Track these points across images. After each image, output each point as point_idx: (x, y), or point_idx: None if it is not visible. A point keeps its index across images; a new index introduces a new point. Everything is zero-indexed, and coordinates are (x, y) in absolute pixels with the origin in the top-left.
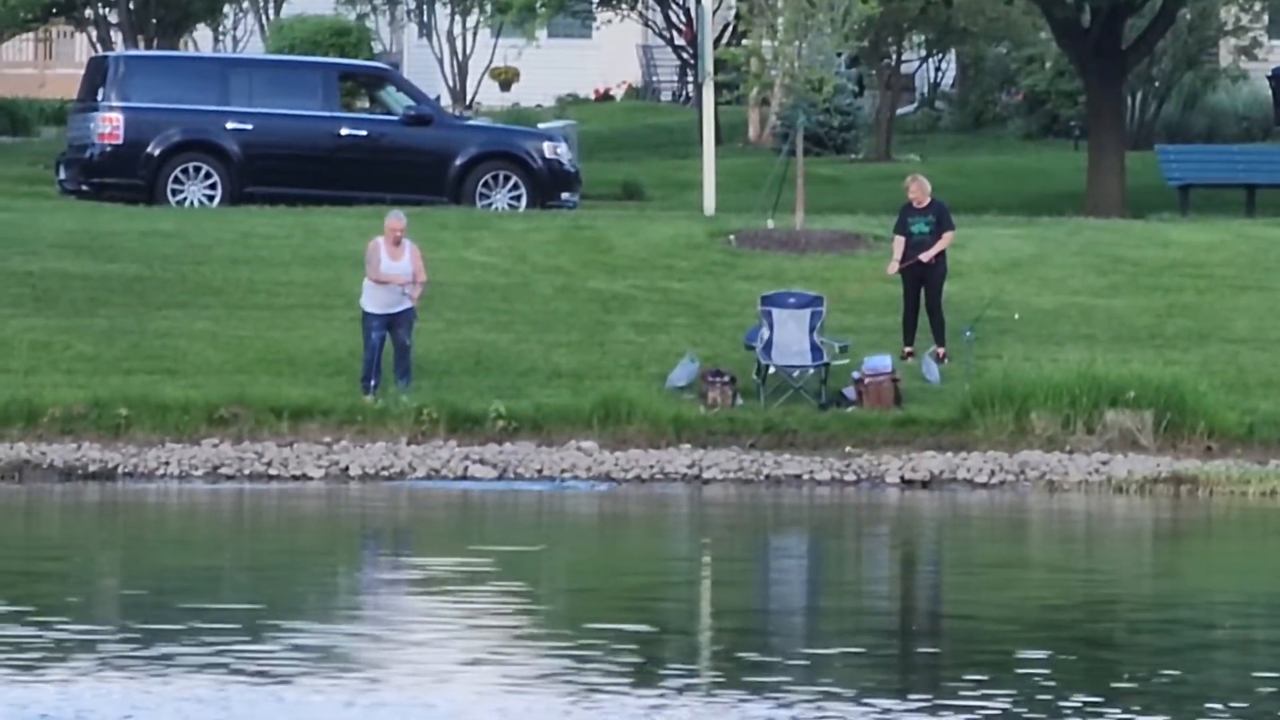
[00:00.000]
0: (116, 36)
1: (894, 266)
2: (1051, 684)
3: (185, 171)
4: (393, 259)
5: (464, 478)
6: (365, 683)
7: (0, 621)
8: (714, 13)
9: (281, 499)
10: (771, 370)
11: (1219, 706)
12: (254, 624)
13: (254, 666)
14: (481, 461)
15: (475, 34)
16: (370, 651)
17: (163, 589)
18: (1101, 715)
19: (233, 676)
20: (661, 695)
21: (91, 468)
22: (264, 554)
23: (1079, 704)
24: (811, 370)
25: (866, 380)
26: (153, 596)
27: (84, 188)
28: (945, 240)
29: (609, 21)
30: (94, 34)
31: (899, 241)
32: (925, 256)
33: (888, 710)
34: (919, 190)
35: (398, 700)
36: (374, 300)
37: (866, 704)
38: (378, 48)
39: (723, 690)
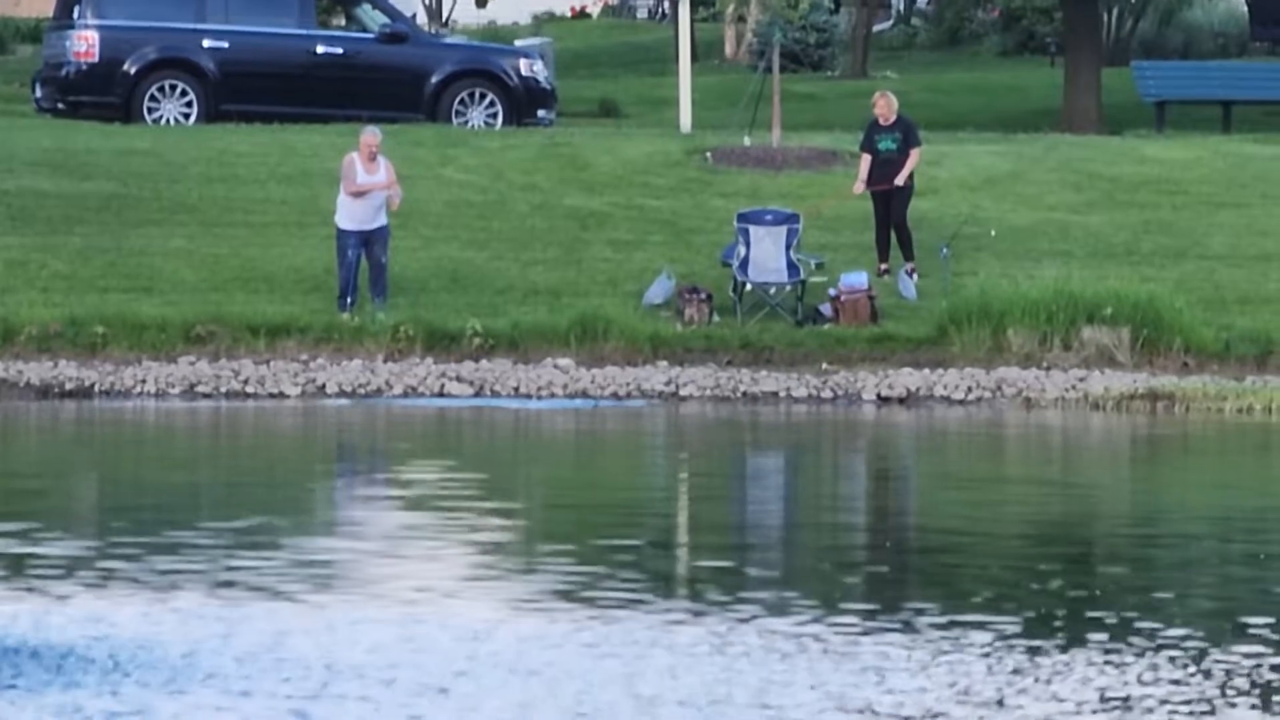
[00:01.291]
0: None
1: (860, 186)
2: (1062, 604)
3: (161, 89)
4: (367, 174)
5: (441, 395)
6: (370, 599)
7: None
8: None
9: (261, 416)
10: (748, 287)
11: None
12: (250, 540)
13: (256, 581)
14: (458, 379)
15: None
16: (373, 568)
17: (157, 506)
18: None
19: (240, 593)
20: (669, 612)
21: (68, 386)
22: (251, 471)
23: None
24: (788, 287)
25: (843, 297)
26: (148, 514)
27: (60, 106)
28: (913, 159)
29: None
30: None
31: (865, 159)
32: (898, 181)
33: (909, 624)
34: (886, 107)
35: (398, 618)
36: (349, 217)
37: (885, 619)
38: None
39: (733, 607)
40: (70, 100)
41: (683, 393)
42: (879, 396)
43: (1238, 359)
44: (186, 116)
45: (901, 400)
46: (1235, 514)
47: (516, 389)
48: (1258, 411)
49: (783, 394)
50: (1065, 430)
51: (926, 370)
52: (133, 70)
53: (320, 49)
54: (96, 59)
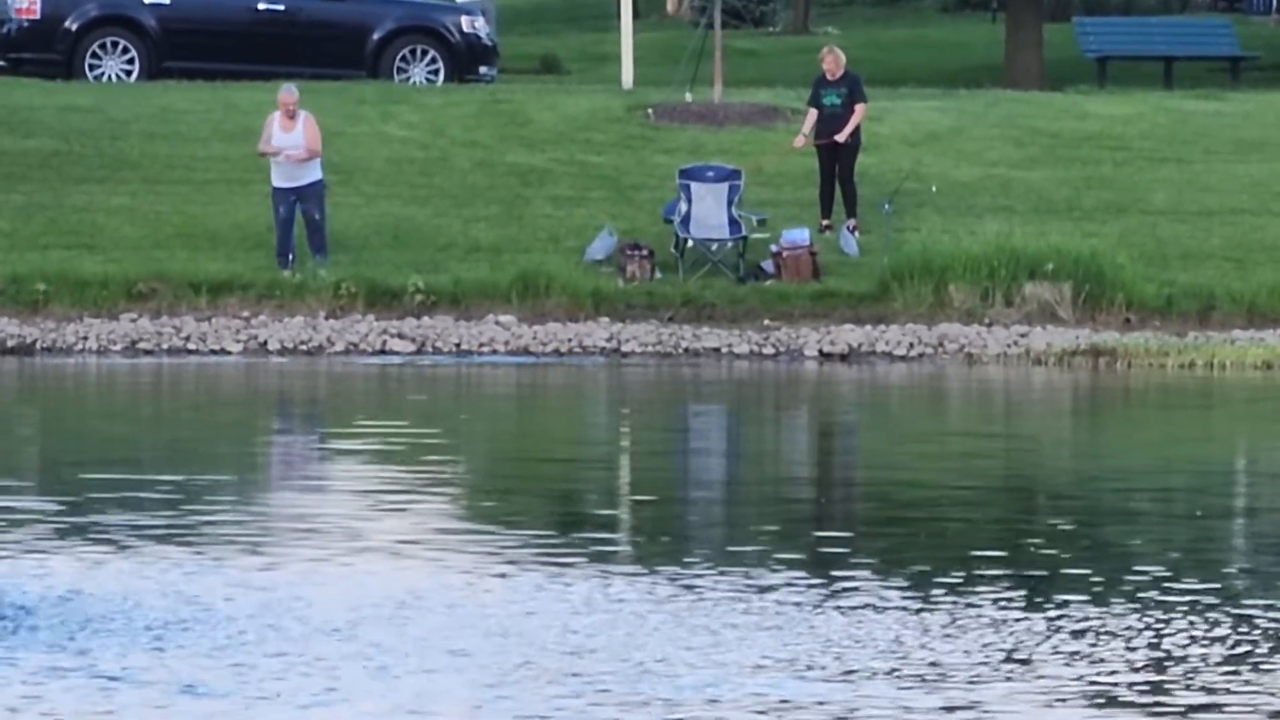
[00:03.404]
0: None
1: (800, 140)
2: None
3: (103, 47)
4: (285, 131)
5: (382, 352)
6: (350, 553)
7: None
8: None
9: (203, 372)
10: (690, 244)
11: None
12: (211, 496)
13: (230, 536)
14: (400, 336)
15: None
16: (346, 522)
17: (112, 461)
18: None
19: (218, 548)
20: (654, 571)
21: (10, 343)
22: (200, 426)
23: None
24: (730, 244)
25: (785, 253)
26: (111, 469)
27: (1, 63)
28: (858, 114)
29: None
30: None
31: (811, 113)
32: (840, 137)
33: (910, 587)
34: (833, 62)
35: (383, 569)
36: (279, 174)
37: (879, 581)
38: None
39: (687, 567)
40: (11, 57)
41: (624, 349)
42: (821, 353)
43: (1179, 314)
44: (128, 73)
45: (843, 356)
46: (1180, 468)
47: (458, 345)
48: (1199, 367)
49: (725, 350)
50: (1008, 385)
51: (868, 326)
52: (74, 27)
53: (262, 6)
54: (38, 16)
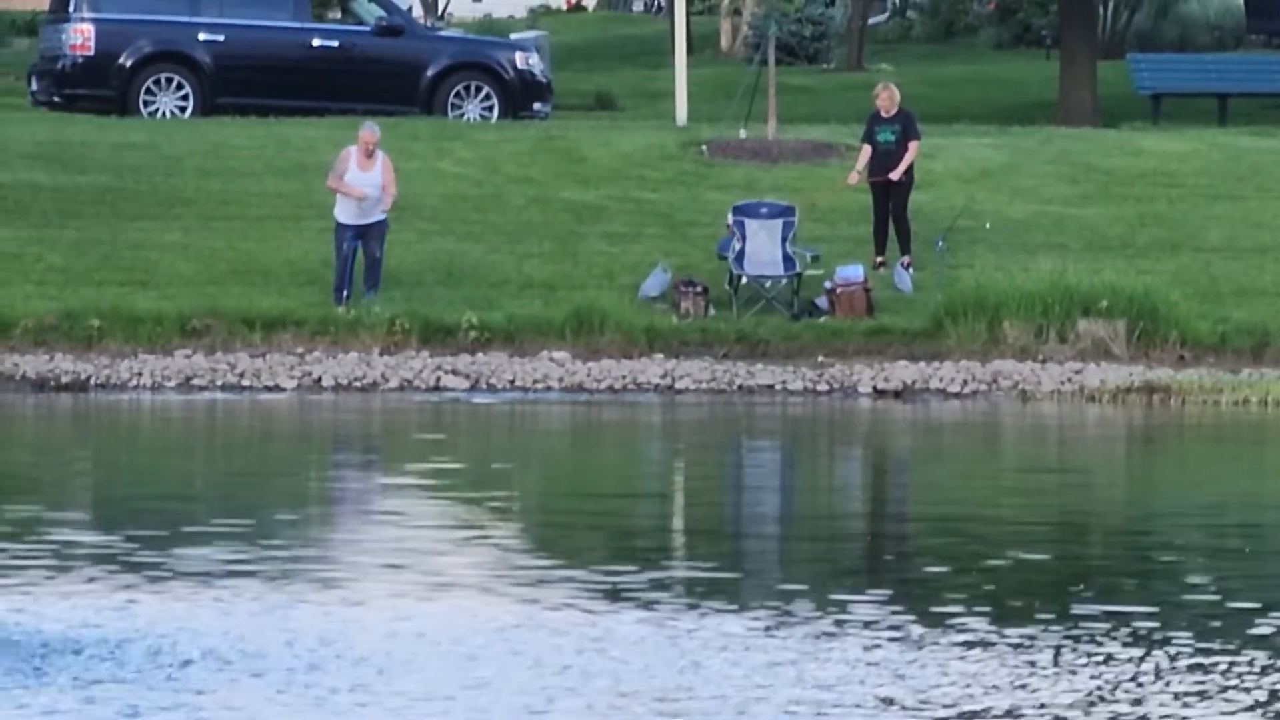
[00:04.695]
0: None
1: (854, 177)
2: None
3: (157, 83)
4: (362, 170)
5: (437, 388)
6: (431, 589)
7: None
8: None
9: (257, 408)
10: (744, 280)
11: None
12: (275, 533)
13: (305, 571)
14: (454, 372)
15: None
16: (432, 557)
17: (184, 497)
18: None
19: (300, 586)
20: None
21: (64, 379)
22: (267, 462)
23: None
24: (784, 280)
25: (839, 290)
26: (184, 504)
27: (56, 99)
28: (912, 151)
29: None
30: None
31: (865, 150)
32: (894, 174)
33: (966, 627)
34: (888, 99)
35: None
36: (346, 210)
37: (931, 623)
38: None
39: (750, 605)
40: (66, 93)
41: (678, 385)
42: (875, 389)
43: (1233, 351)
44: (182, 110)
45: (897, 393)
46: (1231, 505)
47: (512, 382)
48: (1254, 404)
49: (778, 387)
50: (1062, 423)
51: (922, 363)
52: (128, 63)
53: (316, 42)
54: (92, 52)
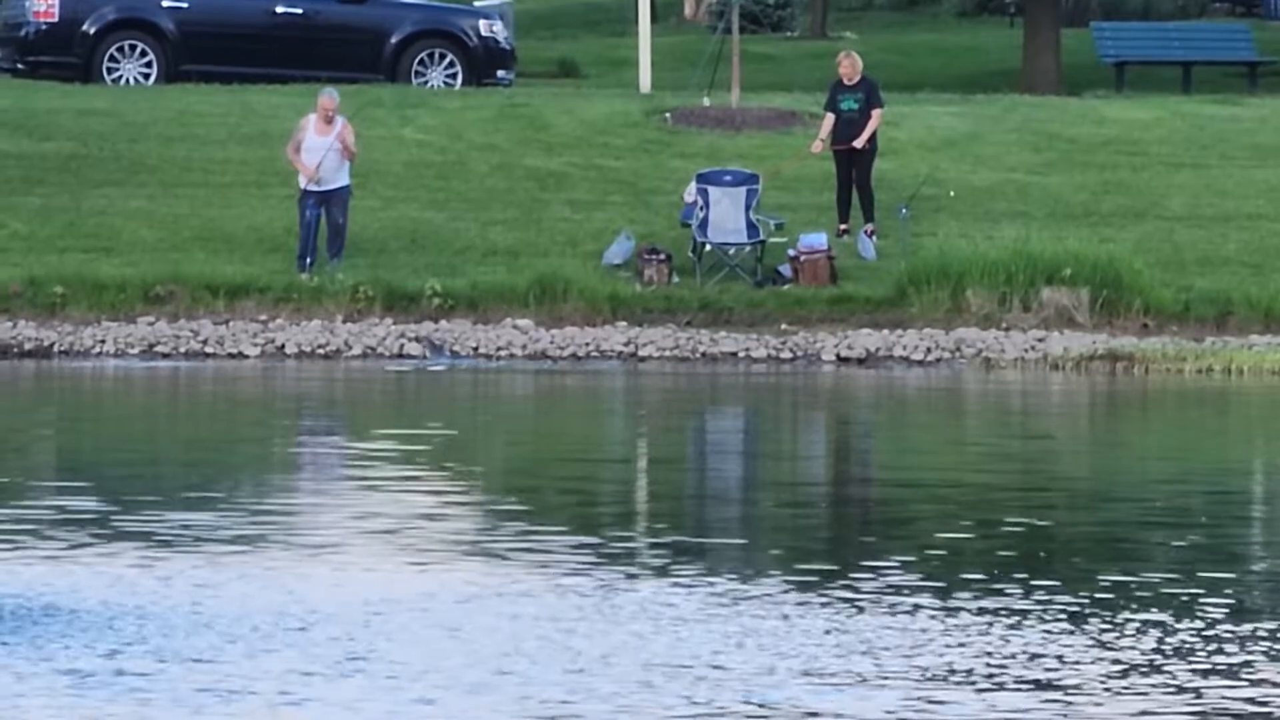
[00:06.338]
0: None
1: (818, 145)
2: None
3: (121, 50)
4: (320, 135)
5: (400, 355)
6: (406, 551)
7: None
8: None
9: (221, 375)
10: (707, 248)
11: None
12: (244, 498)
13: (287, 538)
14: (417, 339)
15: None
16: (407, 528)
17: (149, 462)
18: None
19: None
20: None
21: (27, 346)
22: (234, 428)
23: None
24: (747, 248)
25: (802, 258)
26: (171, 470)
27: (19, 66)
28: (875, 120)
29: None
30: None
31: (828, 118)
32: (858, 143)
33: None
34: (850, 67)
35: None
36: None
37: (918, 595)
38: None
39: (718, 573)
40: (29, 60)
41: (642, 353)
42: (838, 357)
43: (1197, 320)
44: (146, 77)
45: (860, 361)
46: (1196, 474)
47: (475, 349)
48: (1217, 372)
49: (742, 354)
50: (1025, 390)
51: (885, 331)
52: (92, 30)
53: (279, 9)
54: (56, 19)
